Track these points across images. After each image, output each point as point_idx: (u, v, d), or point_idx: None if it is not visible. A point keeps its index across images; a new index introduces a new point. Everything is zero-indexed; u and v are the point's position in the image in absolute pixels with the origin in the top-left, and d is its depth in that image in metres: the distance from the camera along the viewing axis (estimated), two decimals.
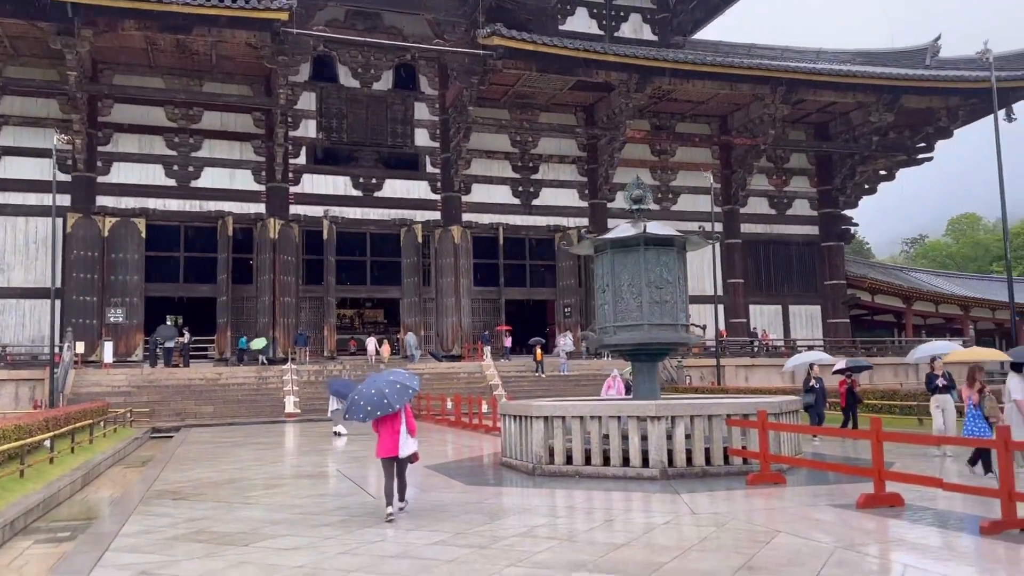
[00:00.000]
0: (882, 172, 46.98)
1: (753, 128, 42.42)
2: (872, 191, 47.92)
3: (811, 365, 15.86)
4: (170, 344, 32.94)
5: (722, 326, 42.94)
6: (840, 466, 10.50)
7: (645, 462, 10.90)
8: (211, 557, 6.87)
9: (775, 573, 5.68)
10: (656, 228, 12.30)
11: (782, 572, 5.70)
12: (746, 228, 44.58)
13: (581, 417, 11.35)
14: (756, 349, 40.74)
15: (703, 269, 43.43)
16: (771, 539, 6.82)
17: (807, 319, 46.35)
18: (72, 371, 30.49)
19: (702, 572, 5.76)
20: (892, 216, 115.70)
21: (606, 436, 11.22)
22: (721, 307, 43.54)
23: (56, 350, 31.19)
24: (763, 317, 45.04)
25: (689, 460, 10.96)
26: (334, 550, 7.00)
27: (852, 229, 48.46)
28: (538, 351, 35.07)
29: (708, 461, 11.01)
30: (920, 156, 45.42)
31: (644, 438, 10.96)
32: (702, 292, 43.05)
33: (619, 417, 11.05)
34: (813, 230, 46.78)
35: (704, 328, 42.08)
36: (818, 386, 15.34)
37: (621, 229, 12.73)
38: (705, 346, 40.57)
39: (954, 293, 50.87)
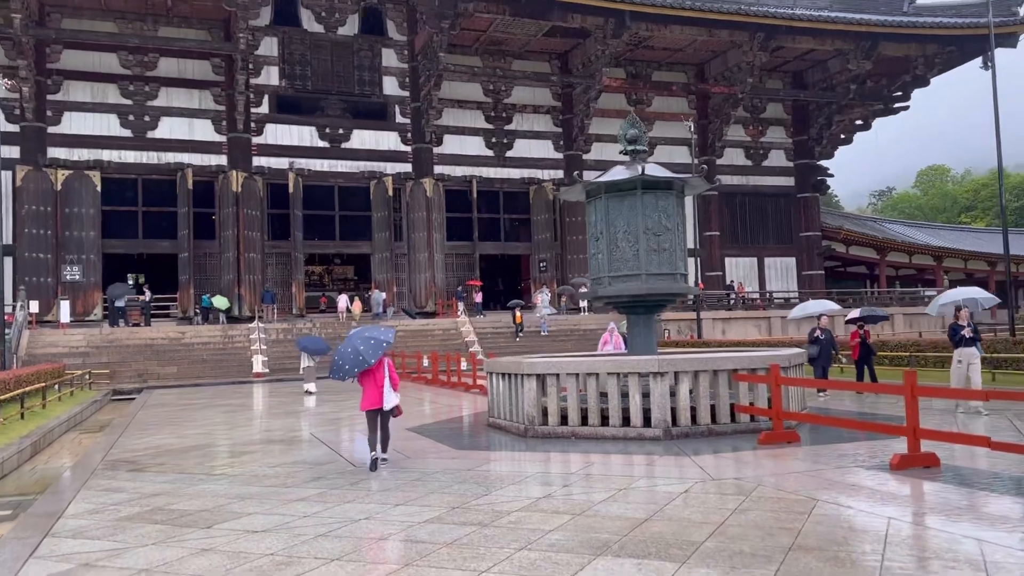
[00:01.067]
0: (858, 122, 46.39)
1: (731, 76, 41.41)
2: (848, 141, 47.39)
3: (819, 316, 15.07)
4: (121, 303, 31.43)
5: (698, 279, 42.45)
6: (866, 423, 9.75)
7: (646, 421, 10.10)
8: (168, 543, 5.92)
9: (834, 555, 4.88)
10: (654, 170, 11.35)
11: (842, 552, 4.91)
12: (722, 180, 43.79)
13: (576, 374, 10.50)
14: (733, 302, 40.28)
15: None
16: (811, 509, 6.04)
17: (782, 271, 46.01)
18: (26, 331, 29.03)
19: (748, 554, 4.94)
20: (859, 169, 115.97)
21: (603, 394, 10.39)
22: (697, 260, 43.02)
23: (8, 310, 29.73)
24: (739, 270, 44.58)
25: (693, 418, 10.17)
26: (311, 531, 6.10)
27: (827, 180, 48.01)
28: (517, 313, 33.77)
29: (714, 419, 10.25)
30: (897, 105, 44.81)
31: (645, 395, 10.14)
32: None
33: (618, 374, 10.20)
34: (789, 181, 46.19)
35: None
36: (824, 337, 14.59)
37: (615, 172, 11.76)
38: (682, 300, 40.07)
39: (928, 244, 50.85)
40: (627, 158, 12.07)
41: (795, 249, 45.76)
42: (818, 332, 14.71)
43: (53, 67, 33.66)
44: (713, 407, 10.27)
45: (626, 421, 10.19)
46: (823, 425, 10.46)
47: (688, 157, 43.33)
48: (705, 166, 13.00)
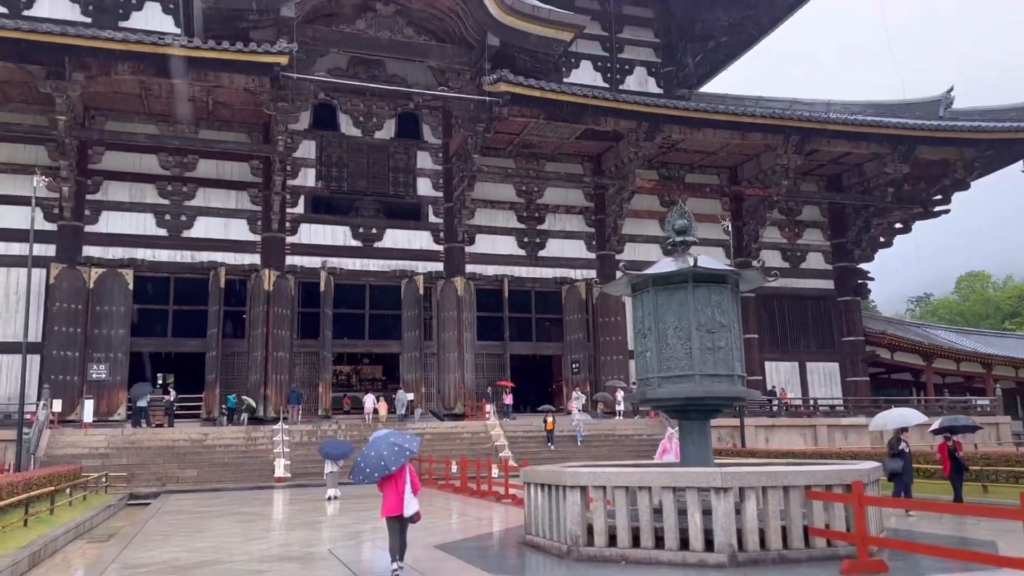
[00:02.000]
0: (898, 225, 45.59)
1: (765, 179, 41.11)
2: (888, 244, 46.48)
3: (901, 428, 13.67)
4: (142, 403, 30.82)
5: None
6: (969, 553, 8.44)
7: (708, 544, 8.89)
8: None
9: None
10: (706, 262, 10.54)
11: None
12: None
13: (627, 487, 9.38)
14: (776, 409, 38.59)
15: None
16: None
17: (825, 377, 44.36)
18: (47, 431, 28.33)
19: None
20: (896, 274, 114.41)
21: (657, 511, 9.23)
22: None
23: (31, 409, 29.22)
24: (779, 375, 43.01)
25: (762, 542, 8.94)
26: None
27: (868, 284, 46.86)
28: (549, 420, 31.91)
29: (785, 543, 9.01)
30: (937, 208, 44.07)
31: (706, 513, 8.98)
32: None
33: (674, 488, 9.08)
34: (828, 284, 45.12)
35: None
36: (907, 451, 13.22)
37: (663, 264, 10.97)
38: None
39: (976, 350, 48.95)
40: (662, 257, 11.37)
41: (838, 354, 44.23)
42: (903, 445, 13.32)
43: (94, 167, 34.26)
44: (784, 529, 9.05)
45: (684, 544, 8.99)
46: (910, 552, 9.14)
47: (724, 259, 42.68)
48: (763, 260, 12.06)
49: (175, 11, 37.11)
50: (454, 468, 22.93)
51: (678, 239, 11.15)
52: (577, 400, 34.57)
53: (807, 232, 45.29)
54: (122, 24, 35.41)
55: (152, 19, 37.04)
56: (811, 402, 40.64)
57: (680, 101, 38.12)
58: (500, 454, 30.76)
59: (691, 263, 10.55)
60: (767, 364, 42.64)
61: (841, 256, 45.21)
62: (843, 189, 45.02)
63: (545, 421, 32.30)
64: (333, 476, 20.54)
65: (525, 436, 33.24)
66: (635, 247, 41.10)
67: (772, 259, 43.66)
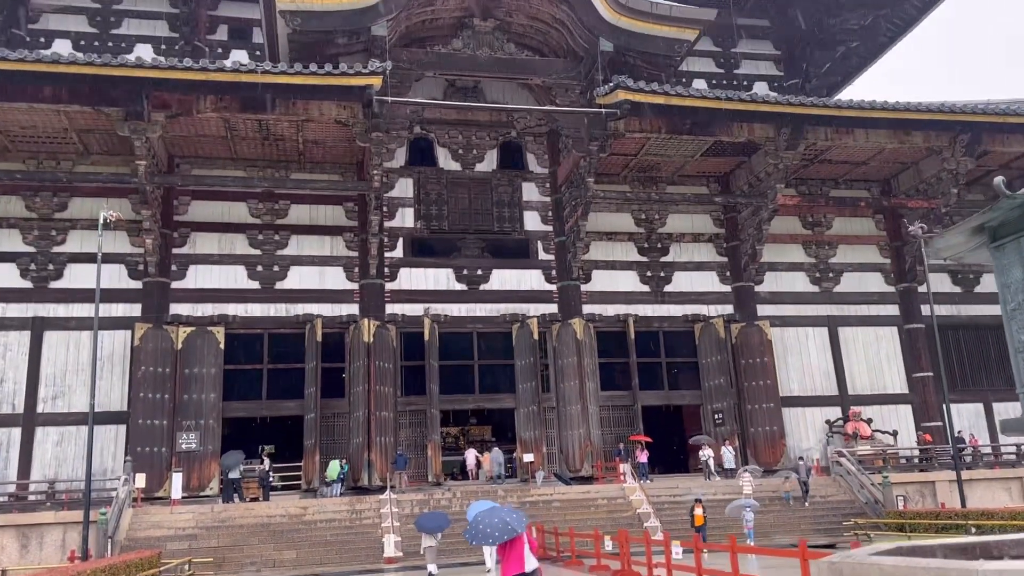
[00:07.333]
0: None
1: (928, 190, 35.29)
2: None
3: None
4: (235, 474, 27.25)
5: (913, 430, 34.72)
6: None
7: None
8: None
9: None
10: None
11: None
12: (928, 311, 36.59)
13: None
14: (971, 459, 31.97)
15: (881, 360, 35.67)
16: None
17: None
18: (129, 511, 24.92)
19: None
20: None
21: None
22: (908, 408, 35.45)
23: (112, 484, 26.13)
24: (961, 419, 36.12)
25: None
26: None
27: None
28: (698, 512, 22.67)
29: None
30: None
31: None
32: (884, 390, 35.06)
33: None
34: None
35: (895, 434, 33.91)
36: None
37: None
38: (900, 456, 32.33)
39: None
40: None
41: None
42: None
43: (180, 219, 31.72)
44: None
45: None
46: None
47: (883, 286, 36.97)
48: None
49: (261, 57, 34.89)
50: (609, 545, 17.90)
51: None
52: (727, 458, 28.90)
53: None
54: None
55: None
56: (1018, 448, 33.33)
57: (827, 99, 33.07)
58: (645, 524, 25.63)
59: None
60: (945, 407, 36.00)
61: None
62: None
63: (692, 514, 22.90)
64: (431, 551, 18.99)
65: (671, 501, 27.93)
66: (777, 276, 35.79)
67: (941, 283, 37.31)
